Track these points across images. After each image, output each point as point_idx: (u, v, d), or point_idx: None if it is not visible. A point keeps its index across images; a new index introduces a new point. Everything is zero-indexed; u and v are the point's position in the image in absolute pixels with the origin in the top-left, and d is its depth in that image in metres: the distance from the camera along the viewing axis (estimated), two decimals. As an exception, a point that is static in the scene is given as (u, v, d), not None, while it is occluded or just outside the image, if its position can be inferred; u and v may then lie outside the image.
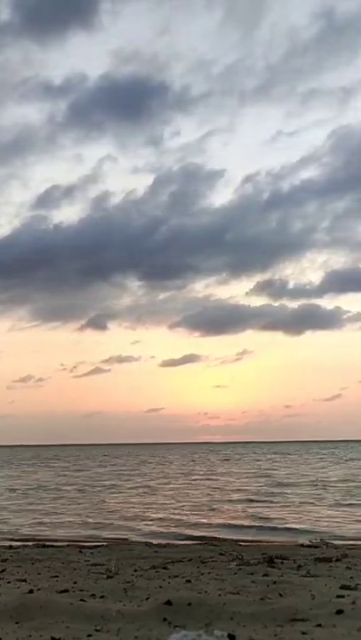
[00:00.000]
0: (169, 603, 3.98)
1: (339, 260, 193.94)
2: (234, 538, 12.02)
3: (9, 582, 5.85)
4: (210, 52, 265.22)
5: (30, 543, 11.27)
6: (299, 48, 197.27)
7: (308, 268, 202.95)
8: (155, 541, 11.40)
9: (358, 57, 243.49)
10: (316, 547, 9.78)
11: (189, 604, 3.96)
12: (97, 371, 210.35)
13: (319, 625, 3.51)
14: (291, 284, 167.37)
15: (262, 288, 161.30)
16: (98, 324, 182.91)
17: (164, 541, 11.48)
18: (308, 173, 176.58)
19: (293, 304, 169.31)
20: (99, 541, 11.69)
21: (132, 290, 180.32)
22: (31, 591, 4.93)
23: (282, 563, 7.30)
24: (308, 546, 9.95)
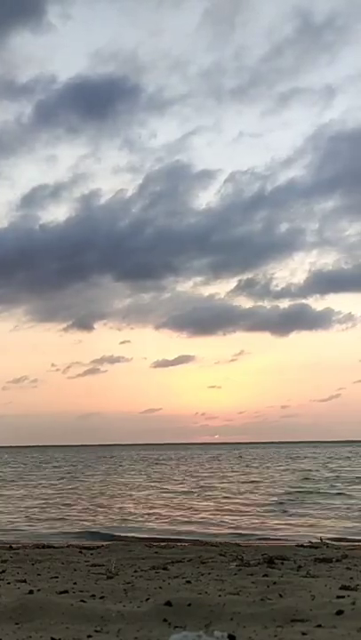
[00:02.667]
0: (169, 603, 3.98)
1: (328, 260, 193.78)
2: (234, 539, 12.04)
3: (9, 583, 5.84)
4: (187, 52, 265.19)
5: (30, 544, 11.26)
6: (278, 48, 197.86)
7: (297, 269, 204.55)
8: (155, 542, 11.41)
9: (338, 56, 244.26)
10: (316, 547, 9.78)
11: (189, 605, 3.95)
12: (91, 372, 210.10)
13: (319, 625, 3.51)
14: (281, 285, 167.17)
15: (251, 288, 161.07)
16: (84, 324, 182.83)
17: (163, 542, 11.48)
18: (293, 173, 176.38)
19: (284, 304, 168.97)
20: (99, 542, 11.69)
21: (118, 290, 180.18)
22: (31, 592, 4.92)
23: (282, 563, 7.30)
24: (309, 546, 9.94)
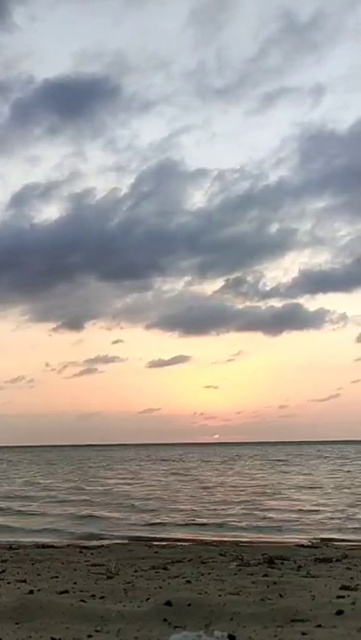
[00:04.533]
0: (169, 603, 3.98)
1: (320, 260, 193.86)
2: (234, 539, 12.03)
3: (9, 583, 5.85)
4: (172, 52, 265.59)
5: (30, 544, 11.27)
6: (264, 47, 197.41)
7: (290, 268, 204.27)
8: (155, 542, 11.41)
9: (325, 55, 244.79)
10: (316, 547, 9.78)
11: (189, 605, 3.96)
12: (87, 372, 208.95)
13: (319, 625, 3.51)
14: (274, 285, 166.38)
15: (244, 288, 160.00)
16: (74, 324, 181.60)
17: (163, 542, 11.49)
18: (282, 172, 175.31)
19: (277, 304, 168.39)
20: (98, 542, 11.69)
21: (109, 290, 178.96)
22: (31, 592, 4.93)
23: (282, 563, 7.30)
24: (309, 546, 9.95)
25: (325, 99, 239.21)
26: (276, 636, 3.33)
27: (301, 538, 11.79)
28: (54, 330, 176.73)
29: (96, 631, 3.52)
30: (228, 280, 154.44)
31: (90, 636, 3.42)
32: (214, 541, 11.34)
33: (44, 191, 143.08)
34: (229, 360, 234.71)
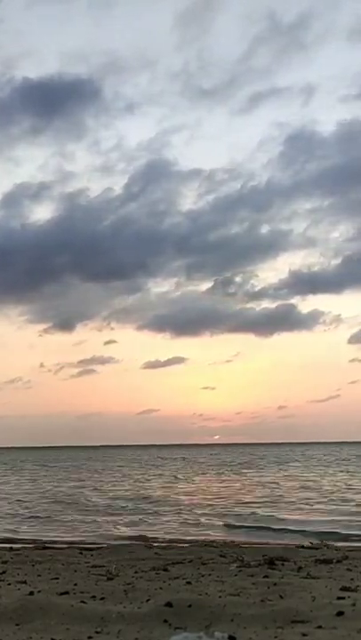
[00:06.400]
0: (169, 604, 3.98)
1: (313, 260, 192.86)
2: (234, 539, 12.03)
3: (9, 584, 5.84)
4: (158, 52, 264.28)
5: (31, 545, 11.27)
6: (252, 47, 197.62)
7: (282, 269, 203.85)
8: (155, 543, 11.41)
9: (313, 55, 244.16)
10: (316, 548, 9.77)
11: (190, 606, 3.96)
12: (83, 373, 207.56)
13: (320, 626, 3.51)
14: (268, 285, 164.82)
15: (237, 289, 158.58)
16: (65, 325, 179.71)
17: (164, 543, 11.48)
18: (272, 173, 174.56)
19: (271, 305, 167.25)
20: (99, 543, 11.69)
21: (100, 291, 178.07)
22: (31, 593, 4.92)
23: (282, 564, 7.29)
24: (309, 547, 9.94)
25: (315, 99, 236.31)
26: (276, 637, 3.33)
27: (302, 539, 11.80)
28: (45, 331, 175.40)
29: (96, 632, 3.53)
30: (219, 281, 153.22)
31: (90, 638, 3.43)
32: (215, 542, 11.34)
33: (37, 192, 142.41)
34: (228, 361, 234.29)
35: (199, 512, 16.93)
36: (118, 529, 14.26)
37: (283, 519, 15.18)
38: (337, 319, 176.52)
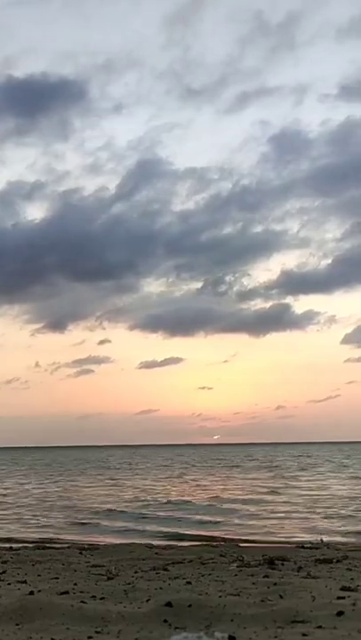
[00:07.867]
0: (169, 604, 3.98)
1: (308, 260, 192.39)
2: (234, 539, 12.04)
3: (9, 584, 5.84)
4: (146, 52, 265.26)
5: (31, 545, 11.27)
6: (242, 47, 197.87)
7: (276, 269, 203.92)
8: (155, 543, 11.40)
9: (302, 55, 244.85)
10: (316, 548, 9.77)
11: (190, 606, 3.95)
12: (80, 373, 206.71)
13: (320, 626, 3.51)
14: (262, 285, 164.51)
15: (228, 289, 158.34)
16: (58, 325, 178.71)
17: (164, 543, 11.48)
18: (263, 173, 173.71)
19: (266, 305, 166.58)
20: (98, 543, 11.69)
21: (92, 291, 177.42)
22: (31, 593, 4.92)
23: (282, 564, 7.29)
24: (309, 547, 9.94)
25: (305, 98, 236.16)
26: (276, 637, 3.33)
27: (302, 539, 11.80)
28: (37, 330, 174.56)
29: (96, 632, 3.52)
30: (210, 281, 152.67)
31: (90, 637, 3.42)
32: (214, 542, 11.34)
33: (29, 192, 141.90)
34: (225, 361, 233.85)
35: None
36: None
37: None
38: (330, 319, 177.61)
